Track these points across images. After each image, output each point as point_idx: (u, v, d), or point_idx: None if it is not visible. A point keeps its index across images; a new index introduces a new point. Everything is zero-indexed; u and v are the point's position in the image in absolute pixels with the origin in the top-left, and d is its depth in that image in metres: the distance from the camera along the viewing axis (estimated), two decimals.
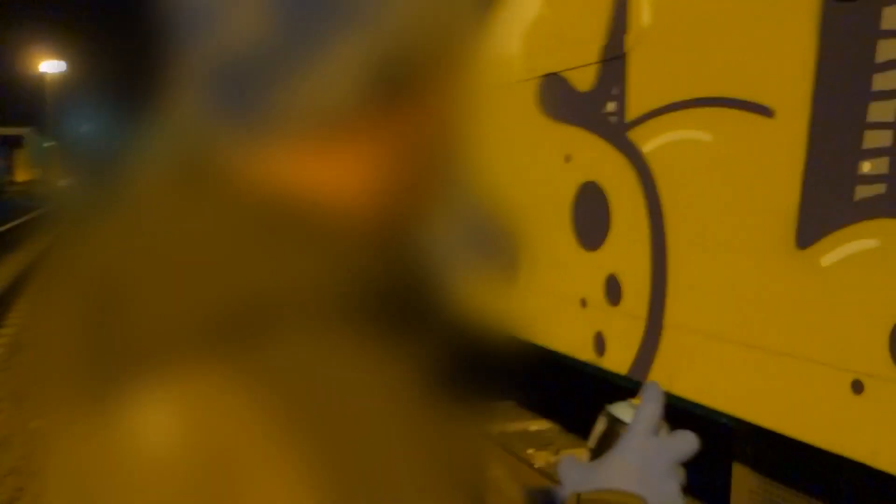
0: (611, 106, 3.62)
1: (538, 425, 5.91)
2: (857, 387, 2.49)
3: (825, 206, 2.60)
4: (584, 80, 3.79)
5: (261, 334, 0.50)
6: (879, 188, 2.44)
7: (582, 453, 0.90)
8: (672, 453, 0.84)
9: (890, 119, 2.40)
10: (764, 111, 2.81)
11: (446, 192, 0.61)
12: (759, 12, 2.82)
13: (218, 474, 0.46)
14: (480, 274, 3.64)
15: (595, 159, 3.72)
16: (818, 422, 2.59)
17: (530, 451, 5.49)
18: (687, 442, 0.85)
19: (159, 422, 0.48)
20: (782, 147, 2.73)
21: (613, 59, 3.56)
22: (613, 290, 3.58)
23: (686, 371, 3.09)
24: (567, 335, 3.82)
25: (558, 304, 3.87)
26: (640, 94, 3.41)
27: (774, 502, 3.33)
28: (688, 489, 0.84)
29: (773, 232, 2.75)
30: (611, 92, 3.61)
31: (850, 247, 2.52)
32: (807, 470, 3.19)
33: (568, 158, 3.91)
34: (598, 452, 0.87)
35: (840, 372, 2.54)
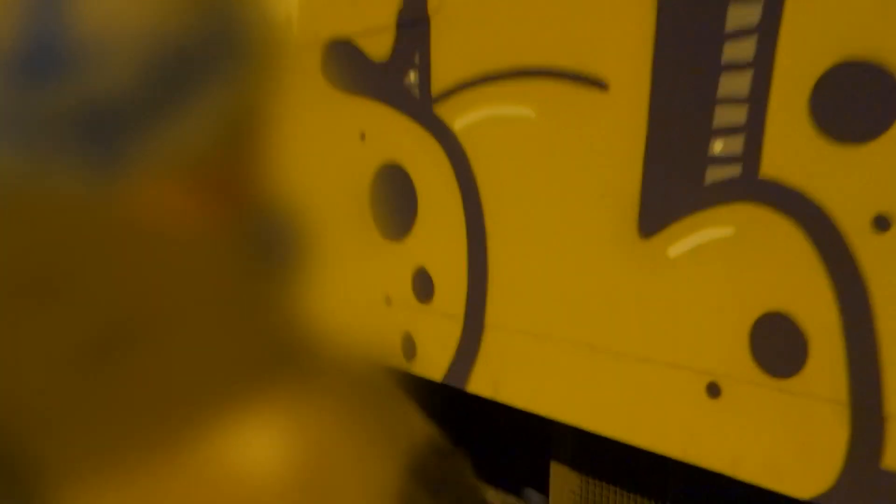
0: (412, 77, 3.18)
1: None
2: (714, 390, 2.24)
3: (671, 190, 2.32)
4: (379, 46, 3.33)
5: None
6: (734, 170, 2.19)
7: None
8: None
9: (744, 94, 2.15)
10: (596, 84, 2.49)
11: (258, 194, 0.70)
12: None
13: None
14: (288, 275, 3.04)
15: (396, 138, 3.28)
16: (671, 430, 2.33)
17: None
18: None
19: None
20: (619, 124, 2.43)
21: (414, 23, 3.12)
22: (423, 286, 3.18)
23: (514, 377, 2.74)
24: (373, 337, 3.37)
25: (361, 303, 3.41)
26: (448, 63, 3.00)
27: (595, 502, 3.09)
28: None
29: (611, 219, 2.45)
30: (412, 61, 3.17)
31: (701, 235, 2.26)
32: (626, 466, 2.96)
33: (363, 136, 3.44)
34: None
35: (694, 374, 2.28)
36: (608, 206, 2.46)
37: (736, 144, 2.18)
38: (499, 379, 2.82)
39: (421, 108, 3.15)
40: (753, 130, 2.14)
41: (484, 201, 2.84)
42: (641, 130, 2.37)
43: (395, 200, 3.28)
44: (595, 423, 2.49)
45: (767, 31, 2.10)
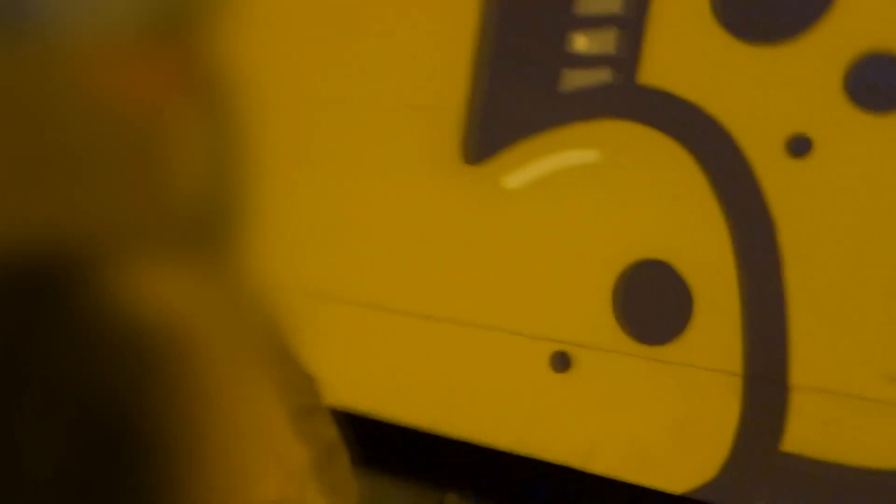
0: None
1: None
2: (561, 361, 1.74)
3: (512, 99, 1.76)
4: None
5: None
6: (602, 75, 1.67)
7: None
8: None
9: None
10: None
11: None
12: None
13: None
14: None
15: None
16: (504, 417, 1.79)
17: None
18: None
19: None
20: (440, 5, 1.81)
21: None
22: None
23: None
24: None
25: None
26: None
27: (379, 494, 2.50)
28: None
29: (425, 140, 1.84)
30: None
31: (552, 161, 1.73)
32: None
33: None
34: None
35: (534, 342, 1.76)
36: (421, 120, 1.84)
37: (606, 40, 1.66)
38: None
39: None
40: (631, 21, 1.64)
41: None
42: (471, 14, 1.78)
43: None
44: (399, 413, 1.88)
45: None
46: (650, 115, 1.63)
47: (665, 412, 1.66)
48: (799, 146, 1.52)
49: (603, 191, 1.68)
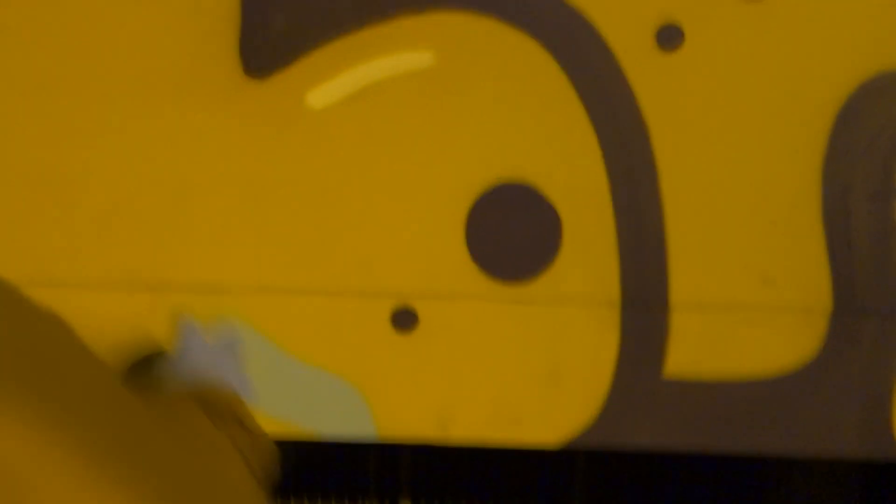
0: None
1: None
2: (403, 319, 1.41)
3: None
4: None
5: None
6: None
7: None
8: (222, 343, 1.00)
9: None
10: None
11: None
12: None
13: None
14: None
15: None
16: (345, 402, 1.42)
17: None
18: (233, 335, 1.02)
19: None
20: None
21: None
22: None
23: None
24: None
25: None
26: None
27: None
28: None
29: (196, 47, 1.34)
30: None
31: (372, 69, 1.35)
32: None
33: None
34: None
35: (368, 301, 1.40)
36: (195, 23, 1.33)
37: None
38: None
39: None
40: None
41: None
42: None
43: None
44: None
45: None
46: (495, 5, 1.33)
47: (533, 360, 1.42)
48: (670, 37, 1.33)
49: (442, 103, 1.35)
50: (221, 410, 0.86)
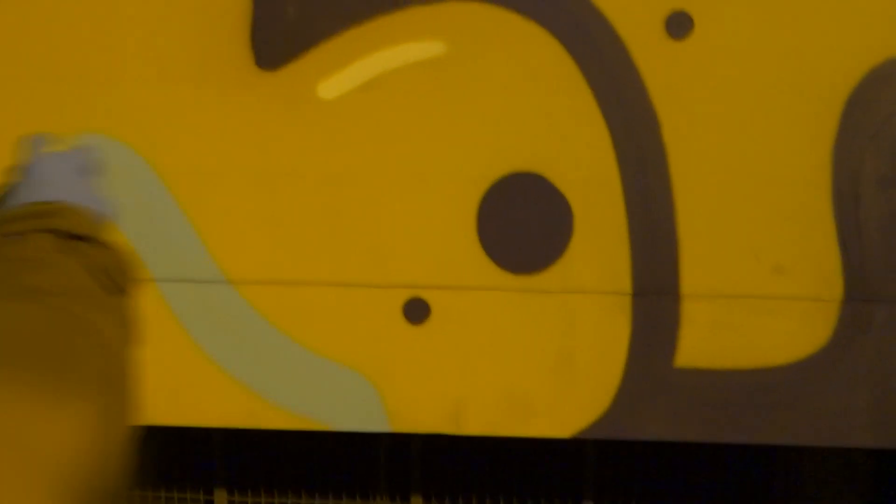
0: None
1: None
2: (416, 311, 1.40)
3: None
4: None
5: None
6: None
7: None
8: (76, 160, 0.93)
9: None
10: None
11: None
12: None
13: None
14: None
15: None
16: (358, 396, 1.41)
17: None
18: (82, 152, 0.94)
19: None
20: None
21: None
22: None
23: None
24: None
25: None
26: None
27: None
28: None
29: (210, 39, 1.33)
30: None
31: (383, 59, 1.35)
32: None
33: None
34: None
35: (381, 292, 1.40)
36: (207, 15, 1.33)
37: None
38: None
39: None
40: None
41: None
42: None
43: None
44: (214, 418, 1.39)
45: None
46: None
47: (545, 350, 1.42)
48: (679, 25, 1.34)
49: (453, 93, 1.35)
50: (70, 231, 0.85)
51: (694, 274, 1.40)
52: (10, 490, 0.52)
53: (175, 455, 1.77)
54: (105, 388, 0.66)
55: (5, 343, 0.60)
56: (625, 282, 1.40)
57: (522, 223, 1.38)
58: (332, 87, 1.35)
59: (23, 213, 0.87)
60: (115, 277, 0.86)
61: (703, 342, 1.42)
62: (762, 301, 1.41)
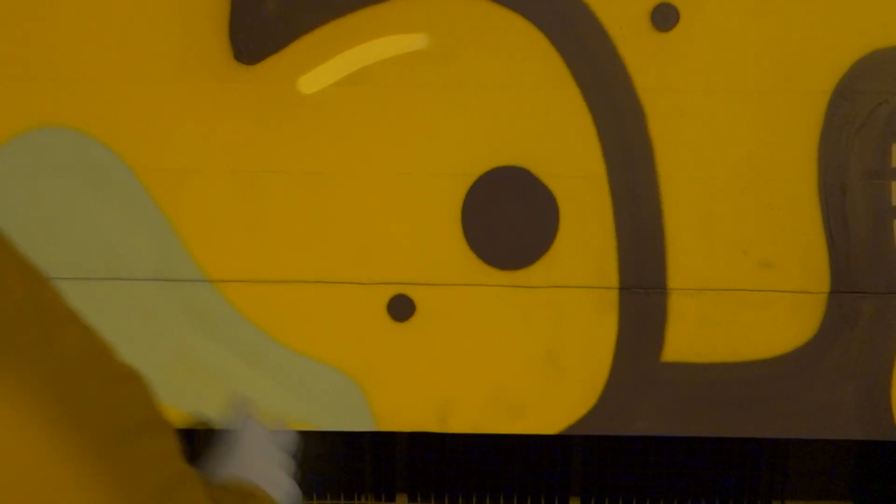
0: None
1: None
2: (401, 308, 1.38)
3: None
4: None
5: None
6: None
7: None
8: (279, 441, 1.01)
9: None
10: None
11: None
12: None
13: None
14: None
15: None
16: (341, 394, 1.39)
17: None
18: (289, 435, 1.03)
19: None
20: None
21: None
22: None
23: None
24: None
25: None
26: None
27: None
28: None
29: (188, 29, 1.30)
30: None
31: (368, 51, 1.33)
32: None
33: None
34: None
35: (364, 289, 1.38)
36: (185, 8, 1.29)
37: None
38: None
39: None
40: None
41: None
42: None
43: None
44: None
45: None
46: None
47: (532, 346, 1.41)
48: (665, 17, 1.32)
49: (436, 86, 1.33)
50: None
51: (681, 268, 1.39)
52: None
53: None
54: None
55: None
56: (611, 276, 1.39)
57: (508, 218, 1.36)
58: (314, 81, 1.32)
59: (231, 486, 0.91)
60: None
61: (691, 336, 1.41)
62: (749, 295, 1.40)
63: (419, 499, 1.78)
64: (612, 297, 1.39)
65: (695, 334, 1.41)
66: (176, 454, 0.65)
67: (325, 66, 1.33)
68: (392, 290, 1.37)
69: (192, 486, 0.66)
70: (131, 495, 0.58)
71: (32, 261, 0.59)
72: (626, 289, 1.39)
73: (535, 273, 1.38)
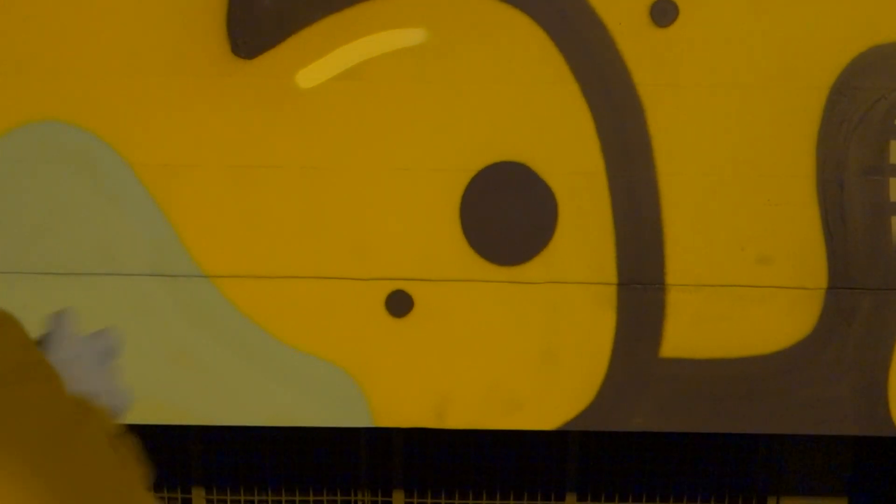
0: None
1: None
2: (399, 304, 1.38)
3: None
4: None
5: None
6: None
7: None
8: (99, 345, 0.91)
9: None
10: None
11: None
12: None
13: None
14: None
15: None
16: (338, 391, 1.39)
17: None
18: (108, 337, 0.92)
19: None
20: None
21: None
22: None
23: None
24: None
25: None
26: None
27: None
28: None
29: (185, 26, 1.30)
30: None
31: (366, 46, 1.32)
32: None
33: None
34: None
35: (362, 285, 1.37)
36: (183, 3, 1.29)
37: None
38: None
39: None
40: None
41: None
42: None
43: None
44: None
45: None
46: None
47: (530, 341, 1.40)
48: (664, 13, 1.32)
49: (435, 81, 1.33)
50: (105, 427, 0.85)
51: (679, 264, 1.39)
52: None
53: (151, 453, 1.73)
54: None
55: None
56: (610, 272, 1.39)
57: (506, 214, 1.36)
58: (312, 75, 1.32)
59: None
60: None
61: (689, 332, 1.41)
62: (747, 290, 1.41)
63: (415, 494, 1.78)
64: (611, 293, 1.39)
65: (693, 330, 1.41)
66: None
67: (323, 60, 1.32)
68: (390, 286, 1.37)
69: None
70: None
71: None
72: (624, 285, 1.39)
73: (534, 269, 1.38)
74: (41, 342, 0.95)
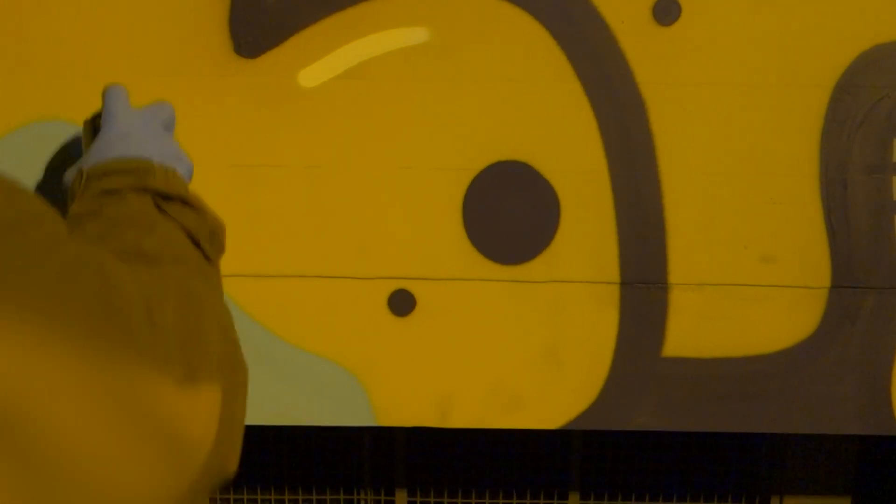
0: None
1: None
2: (401, 302, 1.38)
3: None
4: None
5: None
6: None
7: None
8: (158, 118, 0.95)
9: None
10: None
11: None
12: None
13: None
14: None
15: None
16: (341, 389, 1.39)
17: None
18: (165, 108, 0.98)
19: None
20: None
21: None
22: None
23: None
24: None
25: None
26: None
27: None
28: None
29: (188, 24, 1.30)
30: None
31: (368, 45, 1.32)
32: None
33: None
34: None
35: (365, 283, 1.38)
36: (184, 1, 1.29)
37: None
38: None
39: None
40: None
41: None
42: None
43: None
44: None
45: None
46: None
47: (533, 341, 1.40)
48: (667, 11, 1.32)
49: (437, 80, 1.33)
50: (165, 192, 0.81)
51: (682, 263, 1.39)
52: (136, 464, 0.49)
53: None
54: (226, 369, 0.62)
55: (126, 312, 0.53)
56: (612, 271, 1.38)
57: (509, 212, 1.36)
58: (314, 75, 1.32)
59: (116, 167, 0.81)
60: (209, 244, 0.82)
61: (692, 331, 1.41)
62: (750, 289, 1.40)
63: (418, 494, 1.78)
64: (613, 292, 1.39)
65: (696, 329, 1.41)
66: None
67: (325, 59, 1.32)
68: (393, 285, 1.37)
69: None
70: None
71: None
72: (627, 284, 1.39)
73: (536, 268, 1.38)
74: (99, 118, 0.92)
